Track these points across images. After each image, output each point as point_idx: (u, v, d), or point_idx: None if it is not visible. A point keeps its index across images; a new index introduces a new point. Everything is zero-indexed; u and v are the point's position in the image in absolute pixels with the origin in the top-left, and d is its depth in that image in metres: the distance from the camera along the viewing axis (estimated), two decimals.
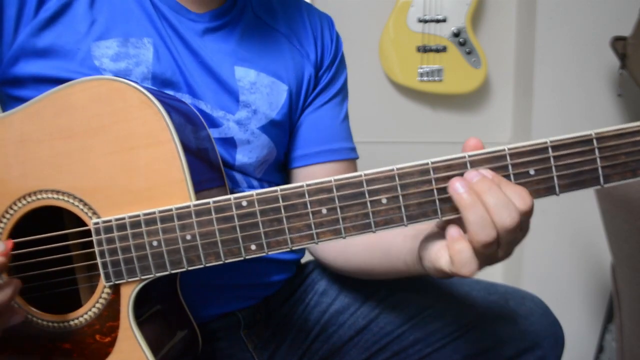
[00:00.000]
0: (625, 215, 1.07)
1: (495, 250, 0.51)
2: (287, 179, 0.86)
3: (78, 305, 0.62)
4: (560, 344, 0.80)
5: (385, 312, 0.83)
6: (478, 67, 1.64)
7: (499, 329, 0.79)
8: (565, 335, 0.81)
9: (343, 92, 0.88)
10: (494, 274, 1.82)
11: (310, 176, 0.83)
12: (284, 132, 0.81)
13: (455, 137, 1.77)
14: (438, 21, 1.62)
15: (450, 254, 0.52)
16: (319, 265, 0.92)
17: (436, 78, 1.65)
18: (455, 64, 1.64)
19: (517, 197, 0.50)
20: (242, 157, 0.76)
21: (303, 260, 0.94)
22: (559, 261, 1.66)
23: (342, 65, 0.89)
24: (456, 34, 1.62)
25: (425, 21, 1.63)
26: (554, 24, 1.59)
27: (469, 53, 1.63)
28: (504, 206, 0.49)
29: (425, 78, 1.66)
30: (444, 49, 1.63)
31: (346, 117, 0.88)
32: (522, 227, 0.51)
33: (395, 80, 1.72)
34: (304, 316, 0.86)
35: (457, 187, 0.50)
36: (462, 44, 1.62)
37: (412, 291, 0.84)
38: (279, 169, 0.85)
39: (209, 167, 0.65)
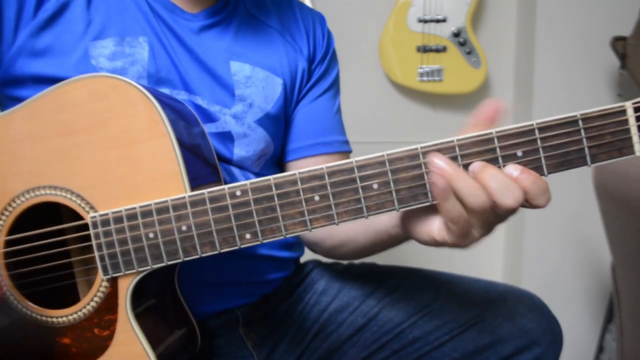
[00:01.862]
0: (625, 215, 1.07)
1: (490, 214, 0.51)
2: None
3: (76, 300, 0.62)
4: (559, 342, 0.80)
5: (384, 311, 0.83)
6: (478, 67, 1.64)
7: (497, 327, 0.79)
8: (565, 335, 0.81)
9: (335, 86, 0.89)
10: (494, 273, 1.82)
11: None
12: (279, 125, 0.82)
13: (455, 137, 1.76)
14: (438, 21, 1.62)
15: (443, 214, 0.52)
16: (319, 265, 0.92)
17: (436, 78, 1.65)
18: (455, 64, 1.64)
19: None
20: (239, 150, 0.77)
21: (302, 260, 0.94)
22: (558, 261, 1.66)
23: (333, 60, 0.90)
24: (456, 34, 1.62)
25: (425, 21, 1.63)
26: (554, 24, 1.59)
27: (469, 53, 1.63)
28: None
29: (425, 78, 1.66)
30: (444, 49, 1.63)
31: (338, 111, 0.89)
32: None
33: (395, 80, 1.72)
34: (303, 314, 0.86)
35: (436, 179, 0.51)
36: (462, 44, 1.62)
37: (411, 289, 0.84)
38: (277, 164, 0.86)
39: (204, 163, 0.65)
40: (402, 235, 0.63)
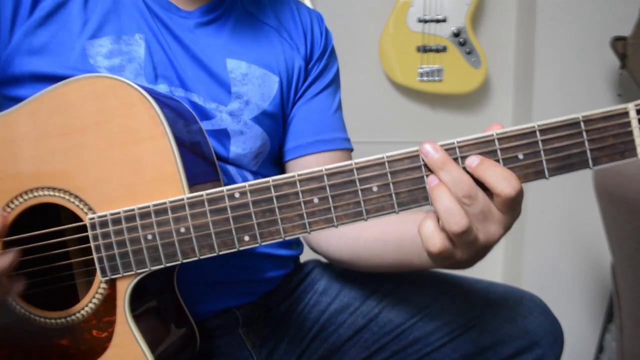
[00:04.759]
0: (625, 215, 1.07)
1: (473, 237, 0.52)
2: (282, 173, 0.86)
3: (76, 301, 0.62)
4: (560, 343, 0.80)
5: (384, 312, 0.83)
6: (478, 67, 1.64)
7: (498, 328, 0.78)
8: (565, 335, 0.81)
9: (335, 84, 0.89)
10: (494, 273, 1.82)
11: (304, 167, 0.82)
12: (277, 123, 0.82)
13: (455, 137, 1.77)
14: (438, 21, 1.63)
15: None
16: (319, 265, 0.92)
17: (436, 78, 1.66)
18: (455, 64, 1.64)
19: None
20: (236, 148, 0.77)
21: (302, 260, 0.93)
22: (559, 261, 1.66)
23: (332, 58, 0.89)
24: (456, 34, 1.62)
25: (425, 21, 1.63)
26: (554, 24, 1.59)
27: (469, 53, 1.63)
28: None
29: (425, 78, 1.66)
30: (444, 49, 1.63)
31: (339, 108, 0.88)
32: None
33: (395, 80, 1.72)
34: (303, 315, 0.86)
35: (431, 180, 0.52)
36: (462, 44, 1.62)
37: (411, 290, 0.84)
38: (275, 162, 0.86)
39: (202, 161, 0.65)
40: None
